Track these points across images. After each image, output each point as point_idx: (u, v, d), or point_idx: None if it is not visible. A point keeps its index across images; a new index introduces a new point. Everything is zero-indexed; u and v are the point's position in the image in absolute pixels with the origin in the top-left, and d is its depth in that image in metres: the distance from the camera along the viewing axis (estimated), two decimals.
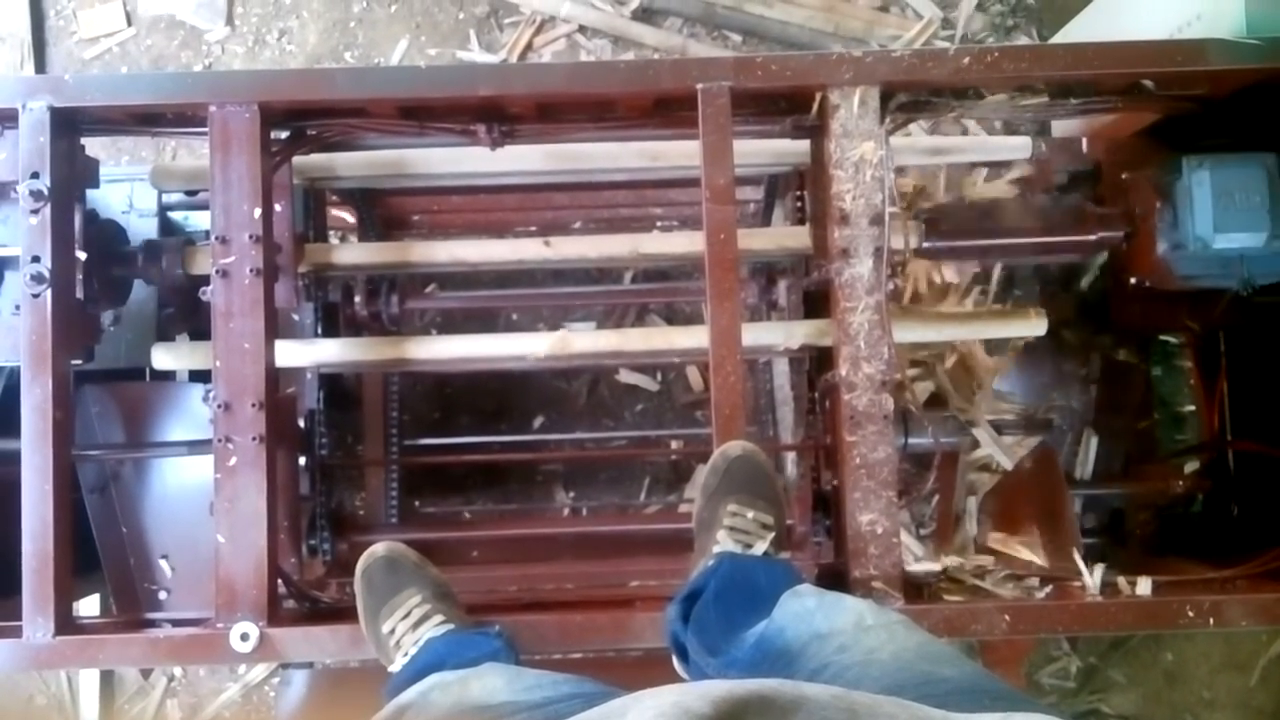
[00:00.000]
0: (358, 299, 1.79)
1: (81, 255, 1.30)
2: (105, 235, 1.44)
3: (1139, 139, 1.45)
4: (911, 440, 1.42)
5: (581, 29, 2.24)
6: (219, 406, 1.24)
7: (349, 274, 1.70)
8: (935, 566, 1.40)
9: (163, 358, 1.48)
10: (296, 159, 1.47)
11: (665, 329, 1.48)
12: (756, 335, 1.44)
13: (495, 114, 1.35)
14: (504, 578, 1.76)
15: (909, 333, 1.53)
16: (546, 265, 1.62)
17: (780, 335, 1.47)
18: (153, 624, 1.41)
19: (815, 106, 1.31)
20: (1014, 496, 1.81)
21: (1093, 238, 1.43)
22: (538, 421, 2.17)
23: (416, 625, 1.14)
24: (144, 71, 2.23)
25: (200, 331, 1.63)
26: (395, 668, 1.13)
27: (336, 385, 1.82)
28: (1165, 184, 1.34)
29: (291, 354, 1.43)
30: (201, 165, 1.35)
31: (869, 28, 2.24)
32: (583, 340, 1.49)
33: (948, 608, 1.25)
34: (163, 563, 1.63)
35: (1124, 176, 1.43)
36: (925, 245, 1.43)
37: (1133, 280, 1.43)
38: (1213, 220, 1.29)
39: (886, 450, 1.25)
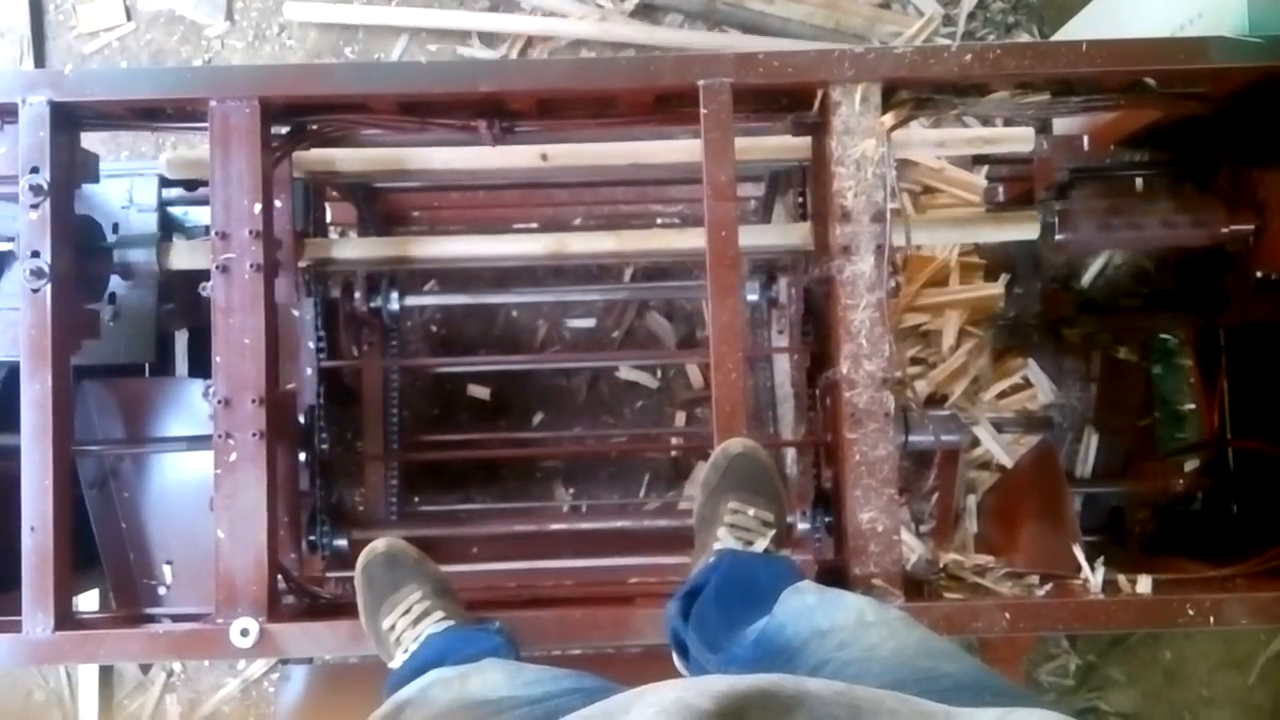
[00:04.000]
0: (357, 295, 1.79)
1: None
2: (81, 231, 1.43)
3: (1261, 133, 1.47)
4: (912, 438, 1.42)
5: (584, 42, 2.24)
6: (219, 402, 1.24)
7: (349, 268, 1.70)
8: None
9: (183, 257, 1.43)
10: (296, 154, 1.47)
11: (663, 231, 1.48)
12: (755, 237, 1.47)
13: (496, 110, 1.35)
14: (504, 574, 1.76)
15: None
16: (549, 261, 1.62)
17: (777, 237, 1.49)
18: (152, 619, 1.41)
19: (817, 103, 1.31)
20: (1014, 494, 1.81)
21: (1224, 230, 1.46)
22: (537, 418, 2.18)
23: (417, 621, 1.14)
24: (144, 66, 2.23)
25: (200, 327, 1.62)
26: (395, 664, 1.13)
27: (336, 381, 1.82)
28: None
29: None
30: None
31: (870, 24, 2.23)
32: (580, 241, 1.49)
33: (948, 605, 1.25)
34: (162, 559, 1.63)
35: (1254, 170, 1.45)
36: (1059, 238, 1.48)
37: (1259, 274, 1.45)
38: None
39: (887, 448, 1.24)
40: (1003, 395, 1.99)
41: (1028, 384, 1.98)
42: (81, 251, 1.39)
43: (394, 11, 2.24)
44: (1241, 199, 1.46)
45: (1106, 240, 1.50)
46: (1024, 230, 1.51)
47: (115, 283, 1.54)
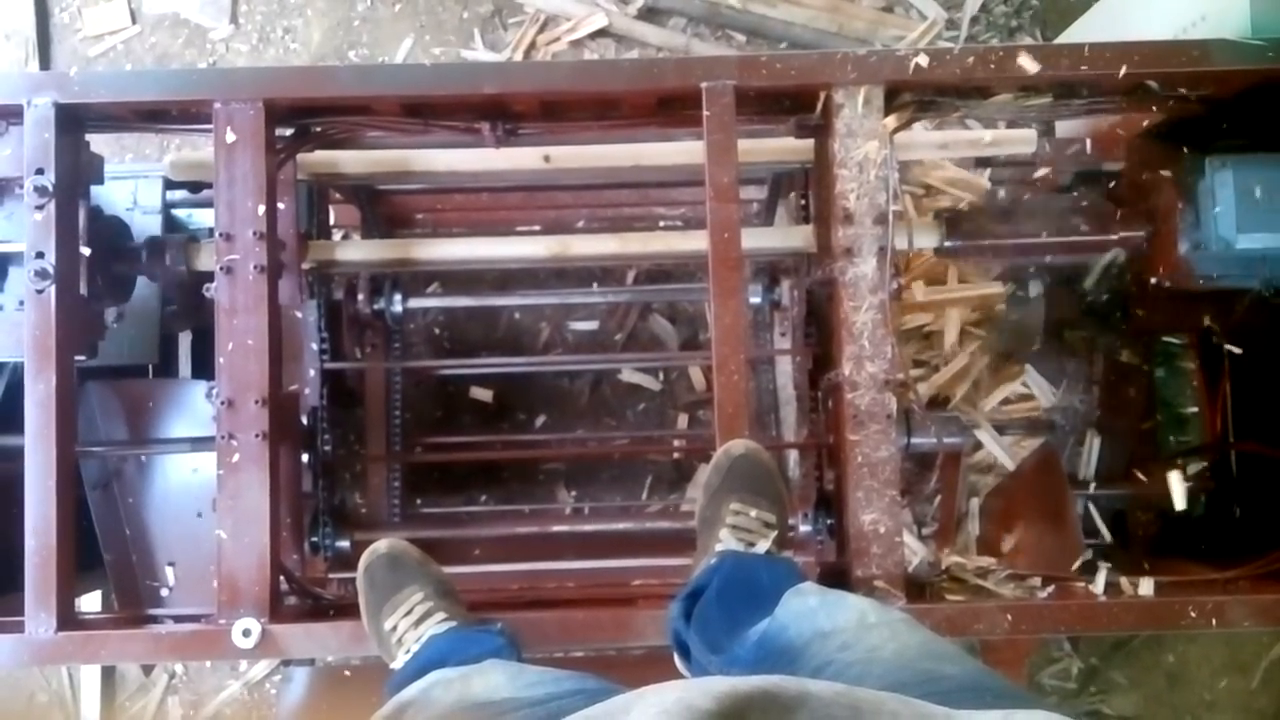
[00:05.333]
0: (360, 297, 1.79)
1: (86, 251, 1.31)
2: (109, 232, 1.44)
3: (1158, 138, 1.45)
4: (914, 440, 1.41)
5: (593, 35, 2.25)
6: (222, 403, 1.24)
7: (352, 270, 1.70)
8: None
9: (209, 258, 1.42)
10: (300, 156, 1.47)
11: (665, 234, 1.48)
12: (758, 239, 1.48)
13: (499, 112, 1.35)
14: (506, 576, 1.76)
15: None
16: (551, 263, 1.62)
17: (779, 239, 1.50)
18: (155, 620, 1.41)
19: (819, 106, 1.31)
20: (1016, 497, 1.81)
21: (1114, 237, 1.43)
22: (540, 420, 2.18)
23: (419, 622, 1.14)
24: (149, 68, 2.24)
25: (203, 329, 1.63)
26: (397, 665, 1.13)
27: (339, 383, 1.82)
28: (1188, 184, 1.34)
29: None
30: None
31: (873, 28, 2.24)
32: (582, 244, 1.50)
33: (950, 607, 1.24)
34: (164, 560, 1.63)
35: (1145, 176, 1.43)
36: (946, 244, 1.44)
37: (1153, 280, 1.43)
38: (1236, 220, 1.28)
39: (889, 450, 1.24)
40: (1005, 403, 1.98)
41: (1030, 392, 1.98)
42: (110, 252, 1.39)
43: None
44: (1135, 206, 1.45)
45: (995, 248, 1.47)
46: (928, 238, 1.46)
47: None
